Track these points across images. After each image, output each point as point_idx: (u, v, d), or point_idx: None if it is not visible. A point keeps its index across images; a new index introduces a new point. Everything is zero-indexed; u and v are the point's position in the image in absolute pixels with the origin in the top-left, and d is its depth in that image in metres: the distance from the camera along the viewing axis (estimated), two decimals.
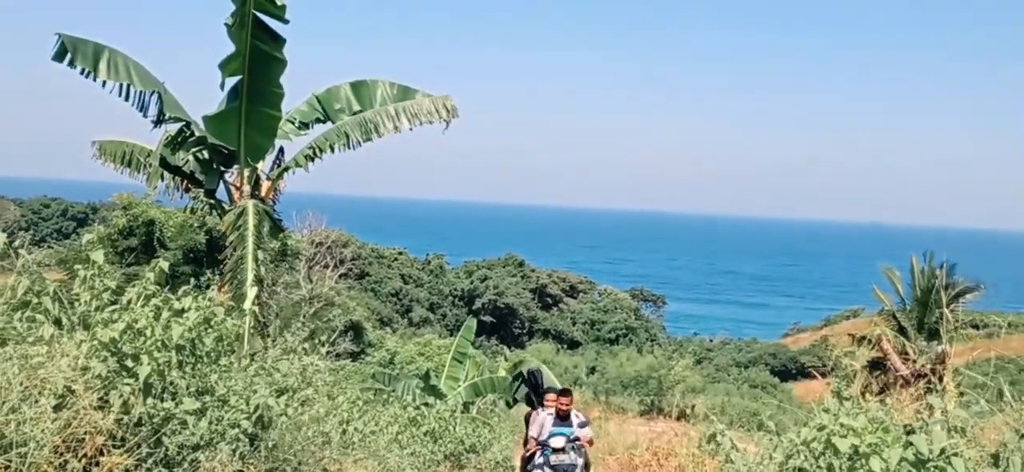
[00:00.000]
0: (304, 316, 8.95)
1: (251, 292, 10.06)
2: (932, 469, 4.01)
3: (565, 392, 11.03)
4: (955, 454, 4.02)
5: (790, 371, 56.43)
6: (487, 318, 60.44)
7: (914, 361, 7.52)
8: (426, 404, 14.80)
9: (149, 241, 15.34)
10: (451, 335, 43.42)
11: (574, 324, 67.45)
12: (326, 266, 33.26)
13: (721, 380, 48.73)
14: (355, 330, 38.57)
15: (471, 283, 67.38)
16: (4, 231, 5.19)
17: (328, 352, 9.05)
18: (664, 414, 32.36)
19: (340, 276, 37.76)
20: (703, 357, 59.94)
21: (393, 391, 17.12)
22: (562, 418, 10.51)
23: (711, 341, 71.39)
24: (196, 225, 28.02)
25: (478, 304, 63.83)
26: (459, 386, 19.84)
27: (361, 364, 28.92)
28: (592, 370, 47.21)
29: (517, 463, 12.30)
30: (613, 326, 66.70)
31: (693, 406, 33.35)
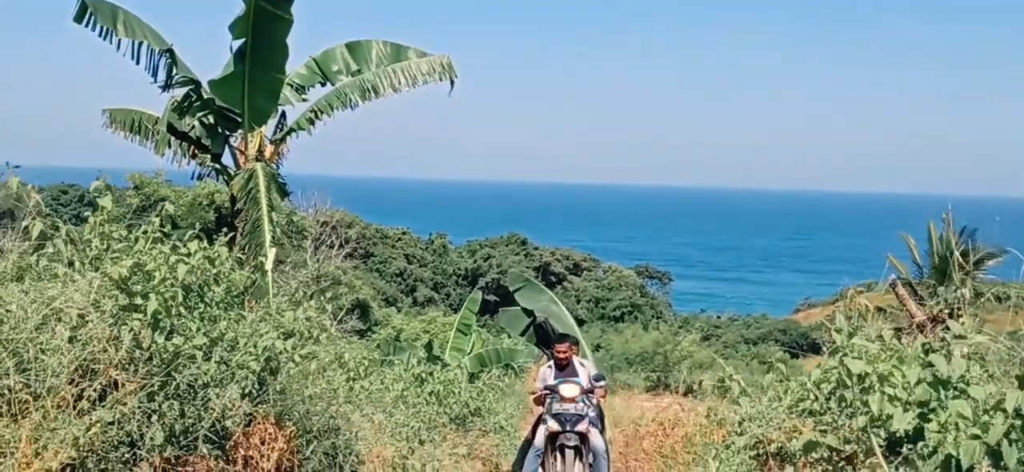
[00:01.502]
0: (312, 293, 8.97)
1: (271, 253, 10.12)
2: (951, 391, 3.96)
3: (563, 338, 10.30)
4: (975, 382, 4.01)
5: (801, 347, 56.05)
6: (491, 297, 60.58)
7: (930, 307, 7.50)
8: (430, 373, 14.85)
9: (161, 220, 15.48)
10: (455, 313, 43.55)
11: (578, 302, 67.41)
12: (331, 246, 33.35)
13: (729, 356, 48.55)
14: (362, 309, 38.77)
15: (474, 262, 67.55)
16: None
17: (338, 336, 9.04)
18: (671, 390, 32.31)
19: (345, 256, 37.88)
20: (710, 334, 59.74)
21: (398, 359, 17.19)
22: (561, 369, 9.69)
23: (719, 318, 71.07)
24: (205, 203, 28.09)
25: (482, 283, 63.93)
26: (463, 357, 19.90)
27: (368, 342, 29.06)
28: (597, 347, 47.16)
29: (526, 432, 11.79)
30: (618, 303, 66.66)
31: (700, 382, 33.25)
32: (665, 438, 13.02)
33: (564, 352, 9.77)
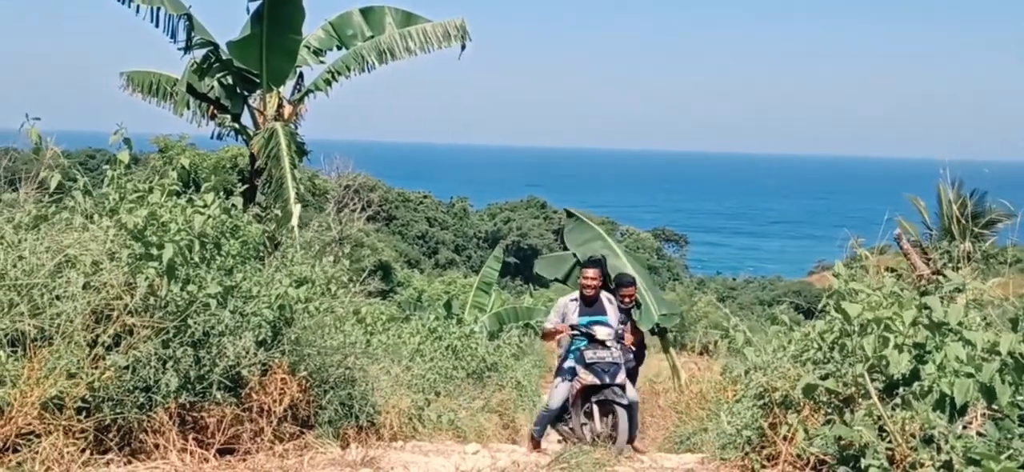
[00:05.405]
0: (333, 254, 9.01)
1: (296, 209, 10.24)
2: (949, 336, 3.98)
3: (593, 263, 8.11)
4: (973, 328, 4.04)
5: (815, 309, 55.47)
6: (511, 259, 60.70)
7: (934, 261, 7.45)
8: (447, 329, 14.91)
9: (185, 183, 15.67)
10: (476, 275, 43.70)
11: None
12: (354, 209, 33.56)
13: (744, 318, 48.22)
14: (384, 270, 39.05)
15: (495, 225, 67.81)
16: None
17: (358, 291, 8.96)
18: (687, 349, 32.22)
19: (368, 218, 38.11)
20: (726, 295, 59.54)
21: (418, 317, 17.30)
22: (588, 304, 7.86)
23: (734, 280, 70.83)
24: (228, 166, 28.39)
25: (502, 245, 64.13)
26: (483, 316, 19.97)
27: (389, 302, 29.33)
28: None
29: (545, 395, 10.53)
30: None
31: (715, 342, 33.08)
32: (680, 395, 13.14)
33: (593, 281, 7.90)
